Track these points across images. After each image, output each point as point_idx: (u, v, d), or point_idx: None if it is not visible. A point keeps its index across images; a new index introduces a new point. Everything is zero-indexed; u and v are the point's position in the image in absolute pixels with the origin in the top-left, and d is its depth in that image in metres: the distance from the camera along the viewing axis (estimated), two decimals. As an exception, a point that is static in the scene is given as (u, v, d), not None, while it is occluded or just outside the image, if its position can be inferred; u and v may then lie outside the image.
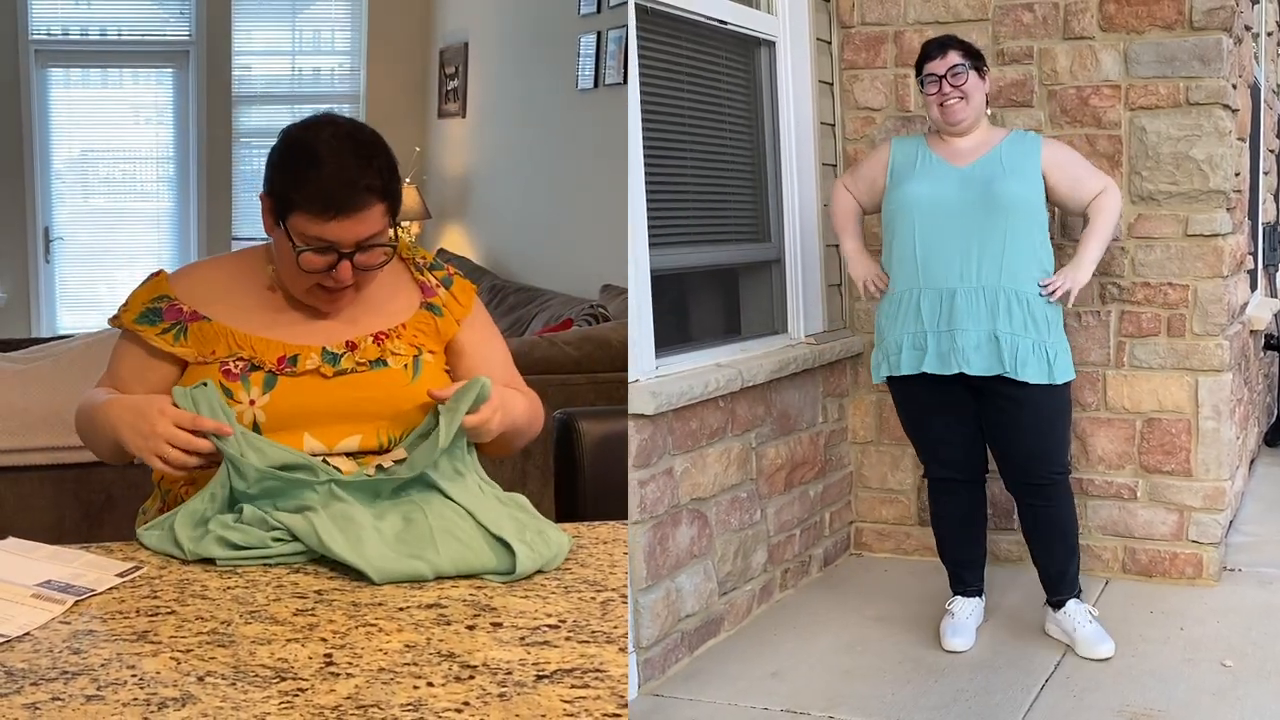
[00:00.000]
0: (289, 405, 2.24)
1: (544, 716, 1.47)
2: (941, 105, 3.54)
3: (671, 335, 3.70)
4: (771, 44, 4.20)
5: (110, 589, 1.88)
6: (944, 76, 3.52)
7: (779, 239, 4.25)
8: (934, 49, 3.58)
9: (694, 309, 4.08)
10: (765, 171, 4.22)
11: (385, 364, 2.30)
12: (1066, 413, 3.66)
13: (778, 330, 4.24)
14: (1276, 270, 6.18)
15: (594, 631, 1.75)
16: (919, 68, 3.60)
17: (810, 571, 4.29)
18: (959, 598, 3.78)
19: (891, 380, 3.65)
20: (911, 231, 3.54)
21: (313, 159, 2.18)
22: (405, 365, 2.31)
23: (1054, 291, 3.48)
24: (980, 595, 3.82)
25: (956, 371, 3.48)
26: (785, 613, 3.99)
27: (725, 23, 3.98)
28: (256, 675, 1.56)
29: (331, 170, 2.17)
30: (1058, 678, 3.43)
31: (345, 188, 2.17)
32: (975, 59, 3.58)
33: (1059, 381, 3.49)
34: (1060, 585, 3.67)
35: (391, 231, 2.31)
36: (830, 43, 4.43)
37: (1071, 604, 3.66)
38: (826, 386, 4.35)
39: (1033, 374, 3.44)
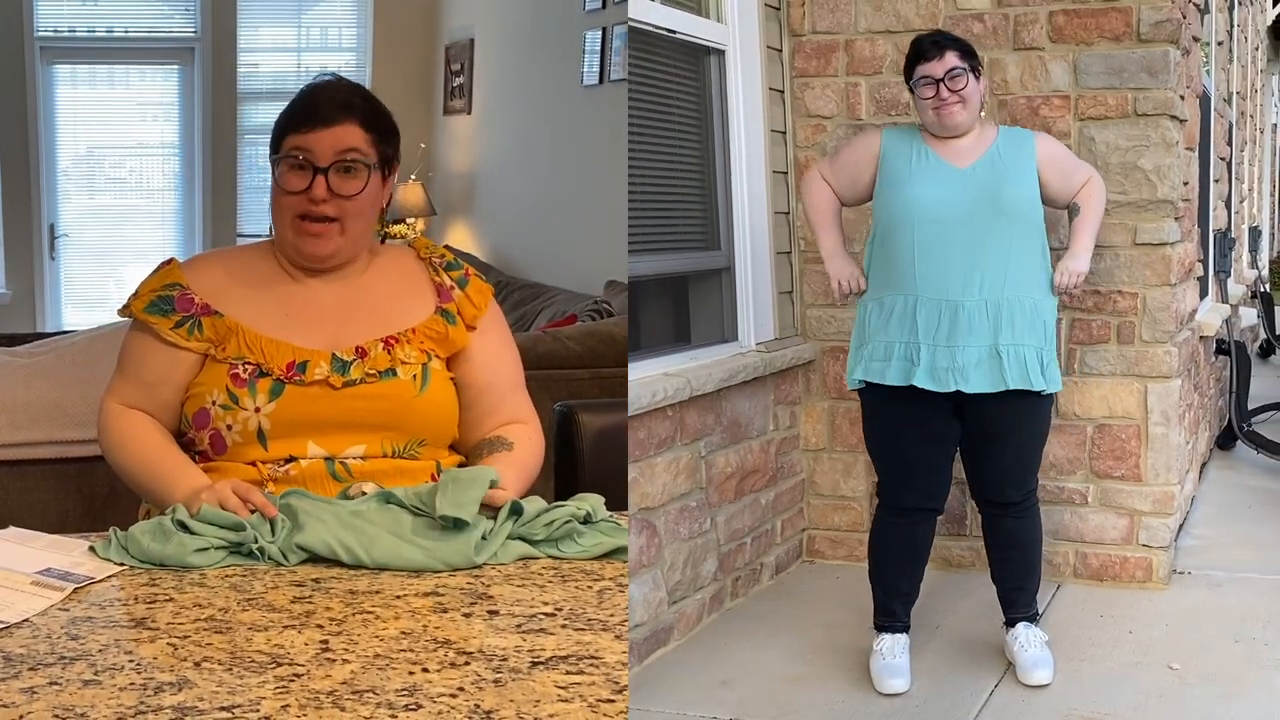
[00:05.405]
0: (294, 414, 2.30)
1: (538, 701, 1.48)
2: (938, 110, 3.32)
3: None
4: (721, 52, 4.19)
5: (109, 577, 1.91)
6: (941, 80, 3.29)
7: (729, 247, 4.23)
8: (929, 48, 3.32)
9: (643, 317, 4.08)
10: (715, 179, 4.21)
11: (395, 374, 2.35)
12: (1048, 427, 3.51)
13: (728, 338, 4.22)
14: (1227, 277, 6.16)
15: (590, 619, 1.77)
16: (910, 68, 3.37)
17: (762, 580, 4.29)
18: (886, 635, 3.49)
19: (868, 389, 3.41)
20: (911, 239, 3.32)
21: (305, 89, 2.44)
22: (414, 375, 2.36)
23: (1063, 287, 3.41)
24: (908, 631, 3.53)
25: (953, 390, 3.29)
26: (736, 621, 3.99)
27: (674, 32, 3.97)
28: (253, 661, 1.58)
29: (319, 91, 2.42)
30: (1007, 682, 3.45)
31: (325, 102, 2.38)
32: (972, 58, 3.36)
33: (1051, 391, 3.36)
34: (1016, 603, 3.54)
35: (381, 187, 2.42)
36: (781, 51, 4.42)
37: (1020, 627, 3.52)
38: (778, 394, 4.35)
39: (1036, 382, 3.29)
